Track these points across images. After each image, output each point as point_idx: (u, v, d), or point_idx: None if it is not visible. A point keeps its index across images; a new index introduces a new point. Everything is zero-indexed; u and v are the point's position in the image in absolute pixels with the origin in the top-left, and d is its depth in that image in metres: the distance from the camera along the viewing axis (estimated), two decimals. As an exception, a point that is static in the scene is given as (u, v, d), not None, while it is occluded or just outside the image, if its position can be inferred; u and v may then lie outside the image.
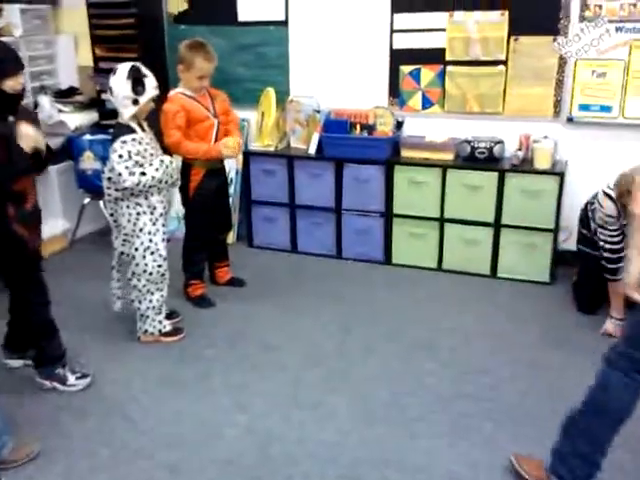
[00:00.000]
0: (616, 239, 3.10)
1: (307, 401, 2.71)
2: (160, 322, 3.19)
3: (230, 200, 3.84)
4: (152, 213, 3.01)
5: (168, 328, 3.23)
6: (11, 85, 2.46)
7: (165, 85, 4.60)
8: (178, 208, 4.61)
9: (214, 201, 3.50)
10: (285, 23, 4.24)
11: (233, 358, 3.05)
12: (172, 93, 3.36)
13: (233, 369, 2.96)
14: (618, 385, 1.98)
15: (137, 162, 2.91)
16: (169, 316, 3.30)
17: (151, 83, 2.92)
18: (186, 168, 3.41)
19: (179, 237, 4.60)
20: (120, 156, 2.88)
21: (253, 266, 4.07)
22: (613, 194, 3.01)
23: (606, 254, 3.13)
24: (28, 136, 2.45)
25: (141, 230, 3.01)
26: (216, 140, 3.38)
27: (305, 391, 2.78)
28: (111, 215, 3.11)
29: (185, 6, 4.46)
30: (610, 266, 3.13)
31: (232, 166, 4.37)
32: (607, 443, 2.05)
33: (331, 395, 2.74)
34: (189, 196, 3.46)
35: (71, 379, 2.82)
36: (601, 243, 3.15)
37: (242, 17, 4.33)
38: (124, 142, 2.90)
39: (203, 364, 3.00)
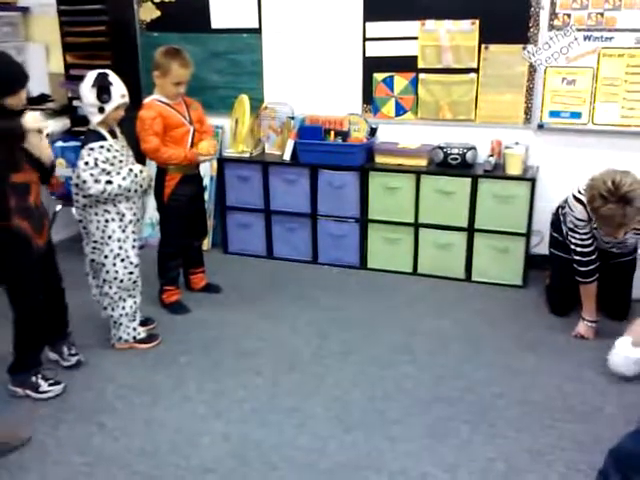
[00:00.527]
0: (587, 242, 3.15)
1: (284, 406, 2.70)
2: (134, 329, 3.15)
3: (205, 206, 3.83)
4: (121, 220, 2.98)
5: (142, 335, 3.19)
6: (12, 103, 2.46)
7: (138, 92, 4.59)
8: (152, 214, 4.59)
9: (189, 207, 3.48)
10: (258, 30, 4.25)
11: (208, 364, 3.03)
12: (148, 100, 3.34)
13: (208, 376, 2.93)
14: None
15: (104, 170, 2.88)
16: (144, 323, 3.27)
17: (118, 91, 2.89)
18: (161, 174, 3.39)
19: (153, 244, 4.58)
20: (86, 163, 2.85)
21: (228, 272, 4.05)
22: (583, 198, 3.06)
23: (577, 257, 3.18)
24: (34, 117, 2.51)
25: (110, 237, 2.97)
26: (191, 146, 3.37)
27: (282, 397, 2.77)
28: (80, 222, 3.07)
29: (157, 13, 4.44)
30: (581, 269, 3.18)
31: (207, 172, 4.35)
32: None
33: (308, 400, 2.74)
34: (164, 202, 3.43)
35: (44, 386, 2.77)
36: (572, 246, 3.20)
37: (215, 24, 4.33)
38: (91, 149, 2.87)
39: (178, 371, 2.97)
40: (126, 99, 2.93)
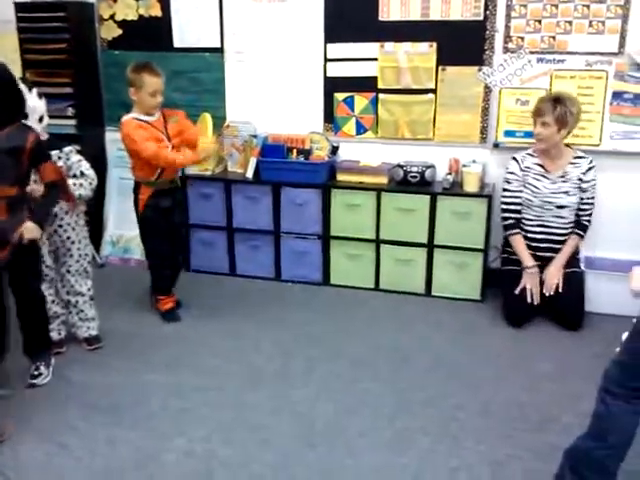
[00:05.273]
0: (511, 200, 3.59)
1: (248, 423, 2.70)
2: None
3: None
4: None
5: (55, 339, 3.22)
6: None
7: (99, 110, 4.60)
8: (113, 232, 4.57)
9: (165, 220, 3.51)
10: (220, 50, 4.29)
11: (171, 382, 3.01)
12: (126, 117, 3.37)
13: (171, 393, 2.92)
14: (618, 413, 1.95)
15: None
16: (89, 340, 3.30)
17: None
18: (136, 187, 3.47)
19: (113, 262, 4.57)
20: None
21: (191, 290, 4.03)
22: (517, 156, 3.60)
23: (503, 213, 3.62)
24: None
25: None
26: None
27: (246, 413, 2.78)
28: None
29: (119, 32, 4.45)
30: (504, 223, 3.63)
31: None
32: (615, 471, 2.00)
33: (272, 416, 2.75)
34: (139, 214, 3.50)
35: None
36: (502, 205, 3.63)
37: (177, 43, 4.36)
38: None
39: (140, 389, 2.95)
40: None
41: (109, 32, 4.47)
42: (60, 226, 3.10)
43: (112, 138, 4.59)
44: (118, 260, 4.52)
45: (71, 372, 3.09)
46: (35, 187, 2.90)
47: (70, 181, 3.02)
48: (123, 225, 4.52)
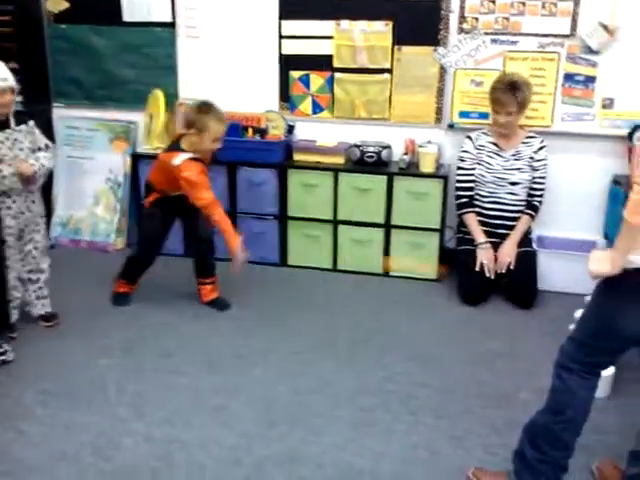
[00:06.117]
0: (465, 178, 3.66)
1: (207, 405, 2.68)
2: None
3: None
4: None
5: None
6: None
7: (45, 85, 4.43)
8: (62, 214, 4.44)
9: (166, 218, 3.49)
10: (172, 25, 4.18)
11: (129, 366, 2.96)
12: (182, 159, 3.19)
13: (129, 377, 2.87)
14: (573, 388, 2.00)
15: None
16: (45, 317, 3.27)
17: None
18: (147, 189, 3.45)
19: (63, 243, 4.45)
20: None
21: (149, 272, 3.93)
22: (472, 134, 3.65)
23: (457, 191, 3.70)
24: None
25: None
26: None
27: (205, 395, 2.75)
28: None
29: (66, 5, 4.29)
30: (457, 202, 3.70)
31: (119, 169, 4.26)
32: (573, 444, 2.05)
33: (232, 398, 2.74)
34: (143, 207, 3.52)
35: None
36: (456, 183, 3.71)
37: (127, 17, 4.23)
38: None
39: (97, 373, 2.90)
40: (7, 83, 2.85)
41: (56, 5, 4.30)
42: (33, 202, 3.03)
43: (60, 115, 4.46)
44: (68, 242, 4.39)
45: (26, 357, 3.00)
46: (23, 165, 2.86)
47: (40, 154, 2.96)
48: (73, 205, 4.40)
